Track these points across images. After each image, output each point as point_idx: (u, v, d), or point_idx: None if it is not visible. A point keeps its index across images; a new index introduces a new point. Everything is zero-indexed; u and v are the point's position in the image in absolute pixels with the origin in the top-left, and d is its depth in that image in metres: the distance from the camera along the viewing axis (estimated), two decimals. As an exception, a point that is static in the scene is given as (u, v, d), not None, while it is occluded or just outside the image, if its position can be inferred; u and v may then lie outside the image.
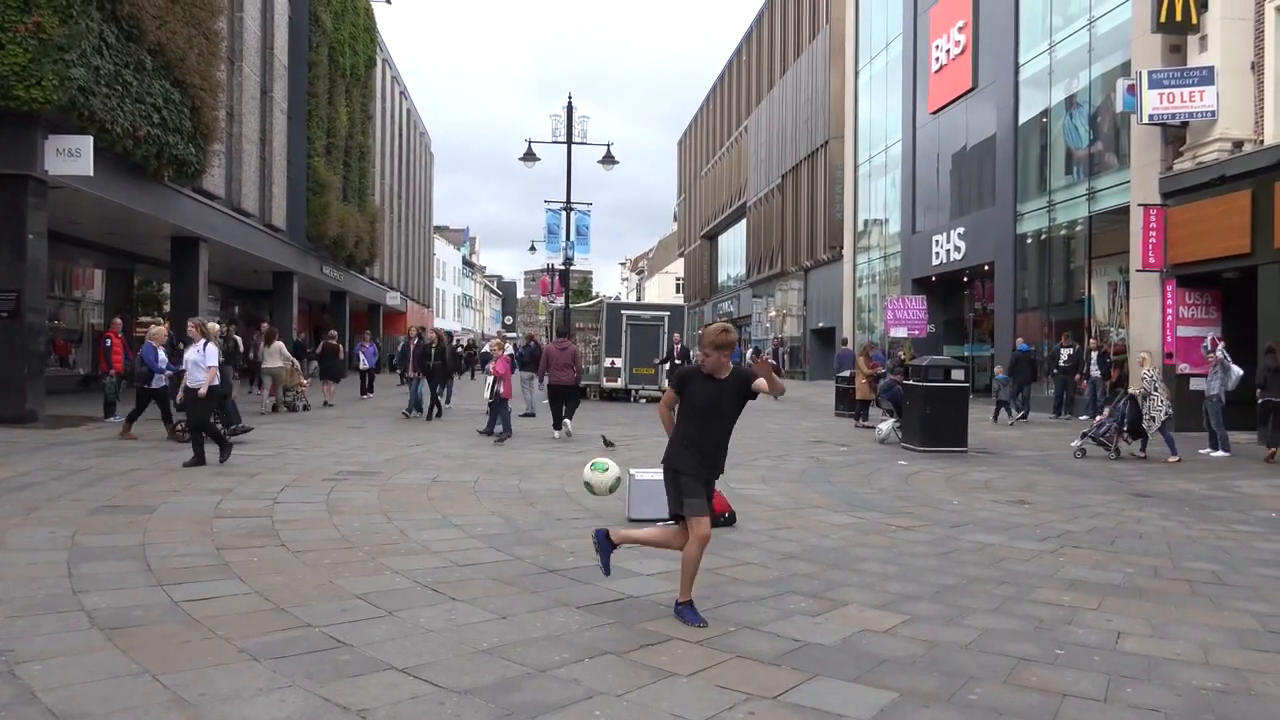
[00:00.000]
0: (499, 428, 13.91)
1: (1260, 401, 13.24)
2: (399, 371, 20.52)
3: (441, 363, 17.49)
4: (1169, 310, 17.07)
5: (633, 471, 7.75)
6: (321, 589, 5.32)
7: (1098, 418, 13.28)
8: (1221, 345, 13.84)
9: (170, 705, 3.60)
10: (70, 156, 14.01)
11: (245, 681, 3.86)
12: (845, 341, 27.14)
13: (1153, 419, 12.68)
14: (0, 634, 4.35)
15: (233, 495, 8.27)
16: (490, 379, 14.48)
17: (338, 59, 32.27)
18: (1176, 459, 12.49)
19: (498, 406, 14.05)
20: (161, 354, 13.17)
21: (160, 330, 13.63)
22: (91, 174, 14.29)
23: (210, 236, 21.35)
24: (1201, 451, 13.40)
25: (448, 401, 20.46)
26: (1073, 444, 13.21)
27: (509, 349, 20.41)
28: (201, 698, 3.67)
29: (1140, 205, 17.43)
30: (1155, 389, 12.77)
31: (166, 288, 25.46)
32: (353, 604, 5.02)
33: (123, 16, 15.01)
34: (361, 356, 23.48)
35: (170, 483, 8.86)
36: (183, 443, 12.00)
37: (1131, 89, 17.20)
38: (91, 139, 14.15)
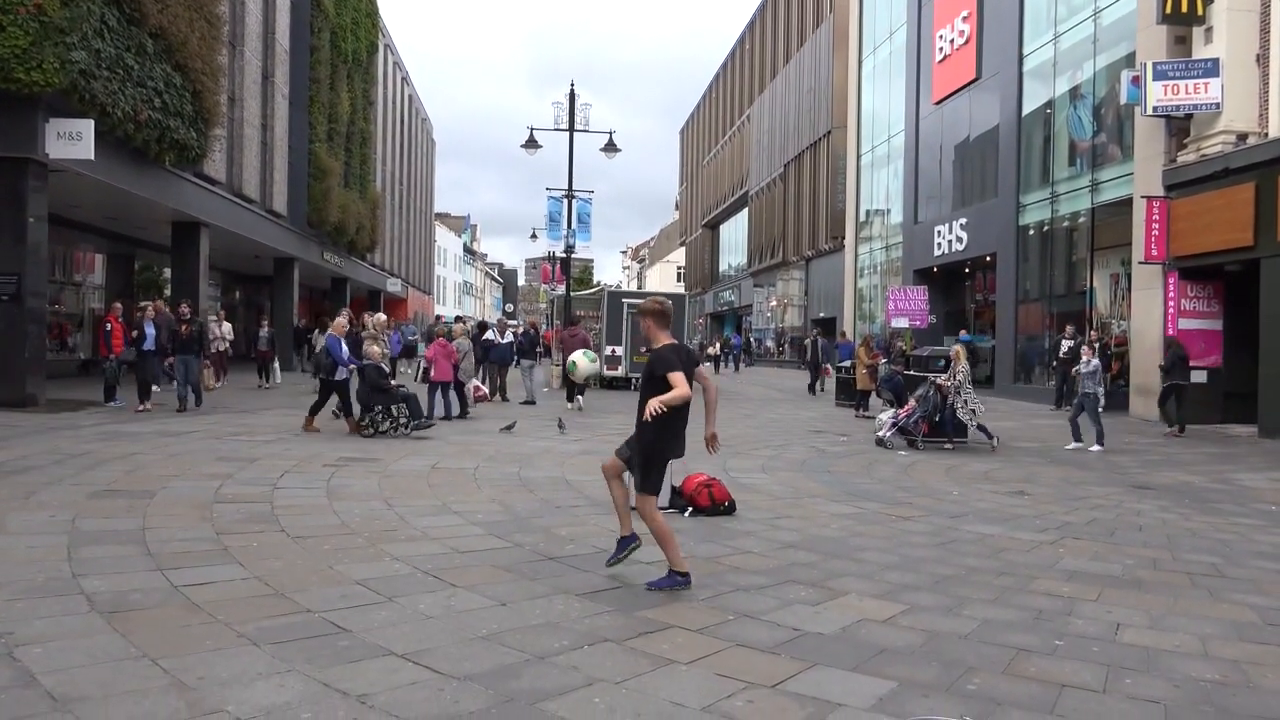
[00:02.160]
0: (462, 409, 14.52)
1: (1164, 385, 15.14)
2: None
3: None
4: (1171, 303, 17.04)
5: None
6: (321, 574, 5.32)
7: (904, 408, 13.05)
8: (1093, 354, 13.63)
9: (170, 689, 3.60)
10: (71, 140, 13.97)
11: (245, 666, 3.87)
12: (816, 333, 28.71)
13: (973, 411, 12.74)
14: (0, 617, 4.36)
15: (233, 480, 8.28)
16: (420, 362, 14.70)
17: (340, 44, 32.13)
18: (995, 442, 12.75)
19: (429, 390, 14.37)
20: (344, 346, 12.84)
21: (341, 322, 13.42)
22: (92, 158, 14.25)
23: (211, 221, 21.31)
24: (1093, 449, 12.75)
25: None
26: (877, 433, 12.82)
27: (478, 335, 19.38)
28: (201, 681, 3.68)
29: (1143, 197, 17.38)
30: (967, 384, 12.84)
31: (167, 272, 25.45)
32: (352, 589, 5.03)
33: (124, 0, 14.94)
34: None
35: (170, 467, 8.86)
36: (365, 436, 12.00)
37: (1136, 80, 17.12)
38: (92, 122, 14.11)
